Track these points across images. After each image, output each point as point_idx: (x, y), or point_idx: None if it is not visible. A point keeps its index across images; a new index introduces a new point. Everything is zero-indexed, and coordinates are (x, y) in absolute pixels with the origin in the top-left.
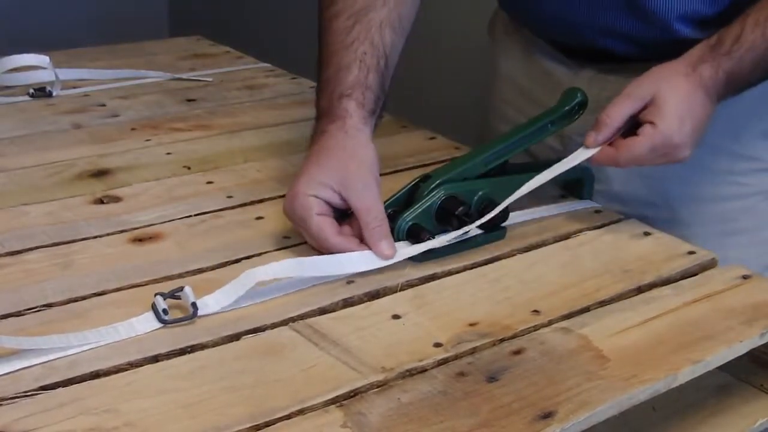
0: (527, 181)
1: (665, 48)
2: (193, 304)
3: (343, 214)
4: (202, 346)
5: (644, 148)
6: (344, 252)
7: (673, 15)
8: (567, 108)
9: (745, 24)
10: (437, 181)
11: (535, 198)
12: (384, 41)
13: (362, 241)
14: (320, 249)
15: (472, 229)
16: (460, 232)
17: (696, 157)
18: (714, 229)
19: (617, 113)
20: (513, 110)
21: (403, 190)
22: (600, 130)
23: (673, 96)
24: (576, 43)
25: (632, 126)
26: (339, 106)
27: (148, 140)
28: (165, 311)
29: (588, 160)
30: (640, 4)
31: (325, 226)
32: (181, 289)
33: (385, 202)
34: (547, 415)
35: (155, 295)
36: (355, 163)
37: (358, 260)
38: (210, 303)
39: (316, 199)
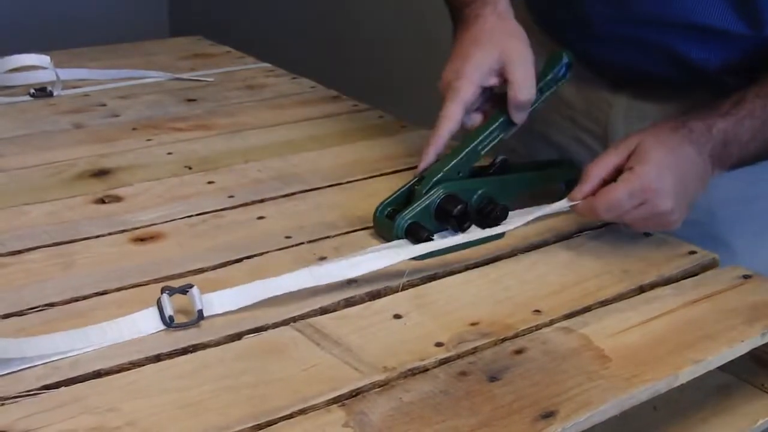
0: (526, 181)
1: (707, 87)
2: (200, 312)
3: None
4: (203, 346)
5: (622, 193)
6: (430, 145)
7: (712, 67)
8: (554, 71)
9: (747, 92)
10: (434, 179)
11: (536, 198)
12: None
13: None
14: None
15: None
16: (462, 239)
17: None
18: (747, 228)
19: (601, 164)
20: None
21: (403, 189)
22: (584, 182)
23: (657, 146)
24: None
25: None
26: None
27: (148, 140)
28: (171, 318)
29: (571, 210)
30: (686, 59)
31: (451, 119)
32: (191, 286)
33: (384, 201)
34: (548, 415)
35: (162, 291)
36: (517, 40)
37: (366, 262)
38: (216, 304)
39: (471, 88)
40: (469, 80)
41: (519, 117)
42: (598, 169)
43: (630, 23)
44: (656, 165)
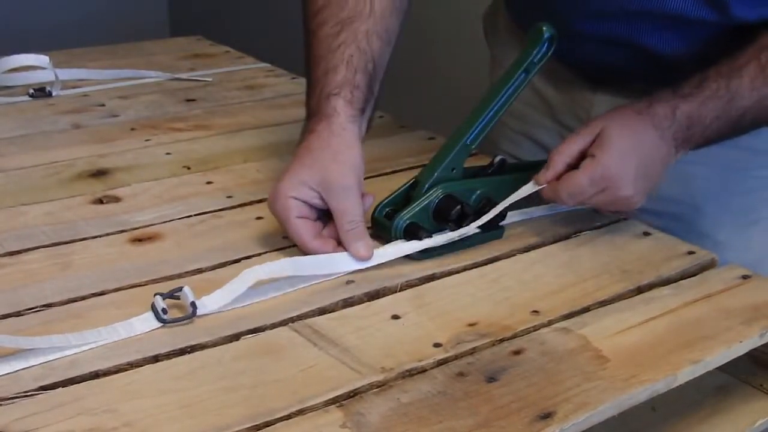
0: (524, 181)
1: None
2: (192, 304)
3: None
4: (201, 347)
5: (583, 180)
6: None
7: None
8: (537, 49)
9: (708, 73)
10: (430, 181)
11: (533, 198)
12: (371, 48)
13: (340, 243)
14: (301, 250)
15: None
16: (458, 234)
17: (719, 155)
18: (738, 220)
19: (565, 149)
20: (515, 119)
21: (401, 189)
22: (548, 167)
23: (619, 130)
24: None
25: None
26: (327, 105)
27: (147, 140)
28: (164, 311)
29: (538, 194)
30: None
31: (302, 230)
32: (180, 289)
33: (382, 201)
34: (547, 416)
35: (155, 295)
36: (337, 164)
37: (353, 258)
38: (208, 303)
39: (295, 201)
40: (293, 200)
41: (359, 247)
42: (562, 156)
43: (600, 17)
44: (618, 152)
